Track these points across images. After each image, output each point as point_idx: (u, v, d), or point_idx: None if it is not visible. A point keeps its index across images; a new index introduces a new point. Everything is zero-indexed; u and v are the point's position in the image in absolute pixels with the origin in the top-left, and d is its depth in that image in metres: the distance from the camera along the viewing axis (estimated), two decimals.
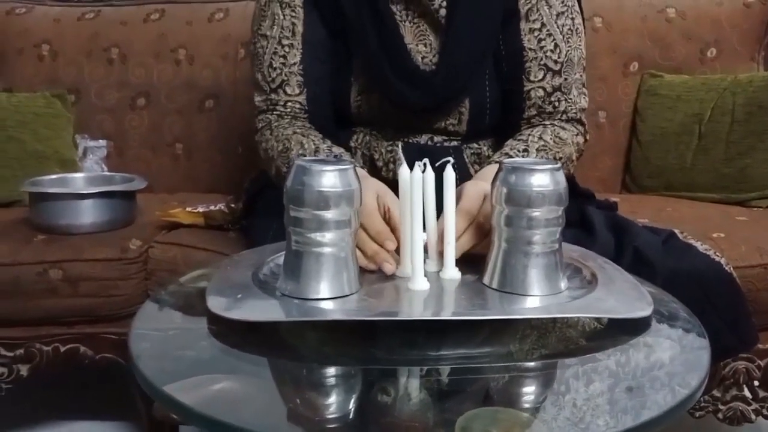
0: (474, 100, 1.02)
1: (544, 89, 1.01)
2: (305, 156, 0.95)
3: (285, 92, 1.04)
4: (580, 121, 1.05)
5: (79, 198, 1.21)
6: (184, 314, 0.69)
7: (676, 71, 1.59)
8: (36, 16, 1.72)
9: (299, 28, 1.02)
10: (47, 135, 1.53)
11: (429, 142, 1.05)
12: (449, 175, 0.73)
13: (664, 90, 1.54)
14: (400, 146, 0.81)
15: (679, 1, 1.64)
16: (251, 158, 1.24)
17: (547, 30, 1.00)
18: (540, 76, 1.01)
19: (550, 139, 0.99)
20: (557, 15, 1.00)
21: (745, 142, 1.42)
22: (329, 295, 0.66)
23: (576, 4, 1.04)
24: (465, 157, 1.04)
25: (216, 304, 0.63)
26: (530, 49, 1.00)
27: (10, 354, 1.20)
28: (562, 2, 1.01)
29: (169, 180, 1.64)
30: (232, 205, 1.23)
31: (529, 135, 0.99)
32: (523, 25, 1.00)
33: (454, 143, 1.05)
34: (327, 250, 0.66)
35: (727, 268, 0.95)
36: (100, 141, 1.64)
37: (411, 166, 0.70)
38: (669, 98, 1.53)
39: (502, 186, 0.68)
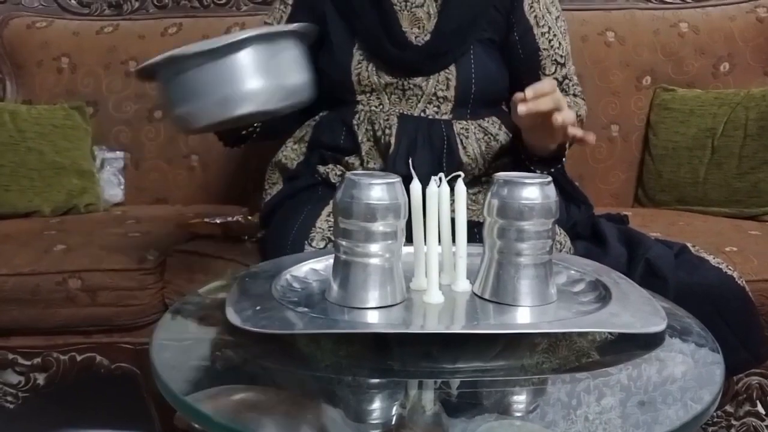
0: (461, 70, 1.12)
1: (557, 80, 1.18)
2: None
3: None
4: (580, 96, 1.24)
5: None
6: (203, 325, 0.71)
7: (689, 85, 1.59)
8: (55, 30, 1.75)
9: (284, 18, 1.18)
10: (66, 146, 1.56)
11: (422, 114, 1.12)
12: (460, 189, 0.75)
13: (676, 104, 1.55)
14: (411, 161, 0.83)
15: (691, 15, 1.65)
16: (265, 171, 1.26)
17: (553, 32, 1.17)
18: (553, 70, 1.18)
19: (571, 102, 1.18)
20: (556, 18, 1.18)
21: (758, 156, 1.42)
22: (375, 304, 0.68)
23: (561, 9, 1.21)
24: (455, 130, 1.12)
25: (235, 316, 0.64)
26: (544, 49, 1.17)
27: (28, 363, 1.22)
28: (556, 8, 1.19)
29: (185, 192, 1.66)
30: (249, 218, 1.24)
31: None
32: (536, 31, 1.16)
33: (445, 117, 1.12)
34: (374, 260, 0.68)
35: (739, 282, 0.95)
36: (118, 152, 1.67)
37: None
38: (682, 112, 1.53)
39: (494, 199, 0.70)
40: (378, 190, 0.67)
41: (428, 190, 0.71)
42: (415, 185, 0.73)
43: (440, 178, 0.74)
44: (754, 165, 1.42)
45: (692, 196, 1.49)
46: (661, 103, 1.57)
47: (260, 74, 0.81)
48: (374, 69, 1.12)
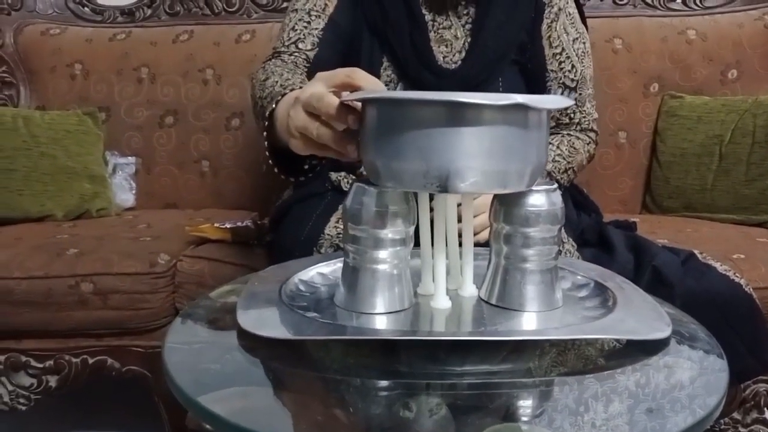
0: None
1: None
2: (283, 86, 0.91)
3: (296, 46, 1.10)
4: (592, 130, 1.19)
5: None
6: (214, 329, 0.72)
7: (697, 92, 1.60)
8: (69, 37, 1.78)
9: (330, 9, 1.12)
10: (78, 151, 1.58)
11: None
12: (467, 195, 0.75)
13: (684, 111, 1.55)
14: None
15: (699, 22, 1.65)
16: (275, 176, 1.28)
17: (566, 54, 1.14)
18: (559, 93, 1.14)
19: (566, 149, 1.12)
20: (573, 40, 1.14)
21: (766, 163, 1.42)
22: (383, 310, 0.69)
23: (585, 31, 1.18)
24: None
25: (246, 320, 0.65)
26: (552, 70, 1.14)
27: (40, 365, 1.24)
28: (576, 29, 1.15)
29: (196, 196, 1.68)
30: (259, 222, 1.26)
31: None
32: (547, 51, 1.14)
33: None
34: (382, 266, 0.68)
35: (746, 290, 0.96)
36: (129, 158, 1.69)
37: None
38: (689, 119, 1.53)
39: (500, 205, 0.71)
40: (387, 196, 0.68)
41: (437, 197, 0.72)
42: (424, 194, 0.73)
43: None
44: (762, 172, 1.42)
45: (700, 202, 1.49)
46: (669, 110, 1.58)
47: (512, 150, 0.63)
48: (401, 89, 1.10)
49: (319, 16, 1.11)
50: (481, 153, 0.61)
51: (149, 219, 1.51)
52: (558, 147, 1.12)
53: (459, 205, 0.76)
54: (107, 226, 1.43)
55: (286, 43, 1.10)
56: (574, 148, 1.13)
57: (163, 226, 1.42)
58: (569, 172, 1.12)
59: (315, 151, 0.72)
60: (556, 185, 0.72)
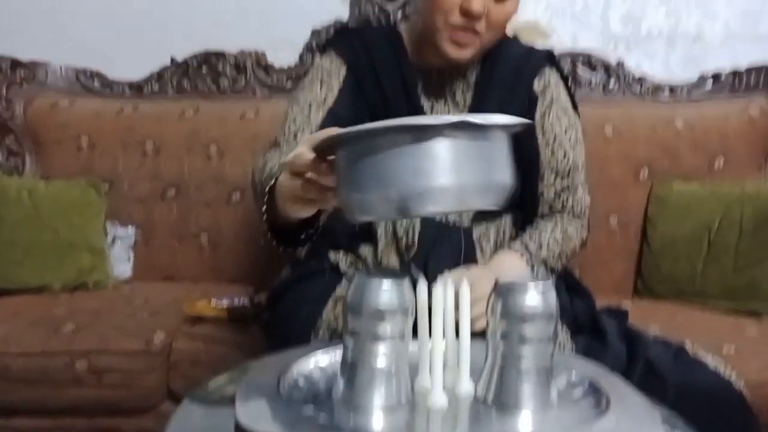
0: None
1: (555, 189, 1.17)
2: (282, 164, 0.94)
3: (296, 138, 1.12)
4: (585, 216, 1.22)
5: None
6: (213, 421, 0.72)
7: (686, 179, 1.63)
8: (77, 109, 1.80)
9: (329, 102, 1.15)
10: (80, 223, 1.60)
11: (443, 220, 1.13)
12: (464, 290, 0.78)
13: (673, 198, 1.58)
14: (412, 265, 0.86)
15: (686, 112, 1.70)
16: (274, 250, 1.29)
17: (559, 141, 1.17)
18: (551, 180, 1.17)
19: (559, 234, 1.15)
20: (565, 129, 1.18)
21: (754, 253, 1.45)
22: (380, 404, 0.69)
23: (577, 119, 1.22)
24: (473, 237, 1.13)
25: (244, 415, 0.66)
26: (544, 157, 1.17)
27: None
28: (568, 119, 1.19)
29: (193, 270, 1.69)
30: (255, 301, 1.27)
31: (542, 231, 1.13)
32: (540, 139, 1.16)
33: (466, 224, 1.13)
34: (380, 360, 0.69)
35: (737, 386, 0.97)
36: (129, 229, 1.71)
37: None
38: (679, 207, 1.56)
39: (497, 303, 0.73)
40: (387, 292, 0.69)
41: (434, 291, 0.74)
42: (422, 287, 0.76)
43: (445, 279, 0.77)
44: (750, 261, 1.45)
45: (691, 289, 1.50)
46: (659, 196, 1.61)
47: (465, 167, 0.66)
48: None
49: (319, 109, 1.15)
50: (433, 173, 0.64)
51: (146, 292, 1.51)
52: (552, 232, 1.14)
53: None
54: (104, 300, 1.44)
55: (287, 135, 1.14)
56: (567, 234, 1.16)
57: (160, 300, 1.42)
58: (563, 258, 1.15)
59: (306, 208, 0.79)
60: (551, 283, 0.74)
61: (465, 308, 0.77)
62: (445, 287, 0.75)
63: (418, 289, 0.76)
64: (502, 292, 0.73)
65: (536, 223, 1.17)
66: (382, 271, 0.75)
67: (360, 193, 0.67)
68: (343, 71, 1.17)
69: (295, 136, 1.13)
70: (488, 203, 0.70)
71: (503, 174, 0.70)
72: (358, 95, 1.17)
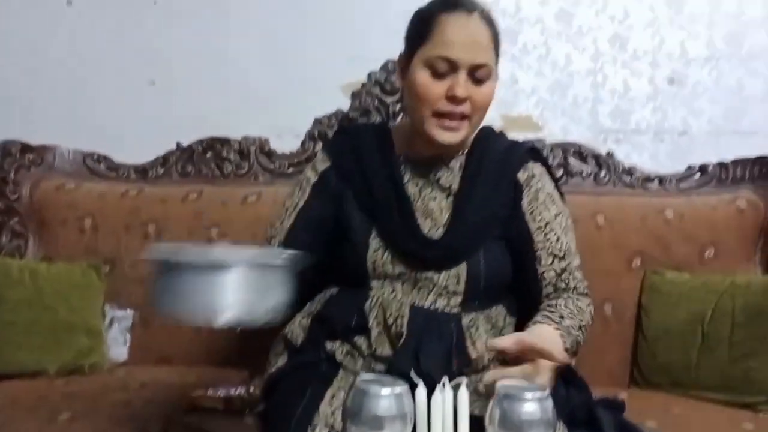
0: (471, 267, 1.16)
1: (555, 270, 1.19)
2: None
3: (276, 240, 1.24)
4: (587, 295, 1.23)
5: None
6: None
7: (677, 269, 1.63)
8: (82, 192, 1.84)
9: (300, 204, 1.24)
10: (79, 305, 1.61)
11: (432, 306, 1.15)
12: (463, 397, 0.79)
13: (666, 287, 1.59)
14: (413, 372, 0.88)
15: (676, 203, 1.74)
16: (266, 335, 1.30)
17: (550, 227, 1.20)
18: (549, 261, 1.19)
19: (574, 308, 1.16)
20: (555, 215, 1.21)
21: (748, 344, 1.45)
22: None
23: (566, 209, 1.26)
24: (463, 324, 1.14)
25: None
26: (538, 241, 1.20)
27: None
28: (556, 206, 1.23)
29: (189, 353, 1.68)
30: (251, 391, 1.27)
31: (557, 305, 1.15)
32: (531, 225, 1.20)
33: (455, 310, 1.15)
34: None
35: None
36: (127, 311, 1.71)
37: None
38: (672, 296, 1.57)
39: (495, 411, 0.74)
40: (386, 401, 0.71)
41: (433, 399, 0.76)
42: (420, 393, 0.77)
43: (443, 384, 0.79)
44: (744, 353, 1.45)
45: (686, 379, 1.49)
46: (652, 285, 1.61)
47: (245, 291, 0.87)
48: (389, 258, 1.16)
49: (290, 215, 1.24)
50: (222, 297, 0.85)
51: (142, 378, 1.51)
52: (566, 306, 1.15)
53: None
54: (100, 386, 1.43)
55: (270, 234, 1.26)
56: (580, 308, 1.17)
57: (156, 387, 1.42)
58: (582, 331, 1.15)
59: None
60: (548, 392, 0.76)
61: (464, 412, 0.78)
62: (443, 393, 0.77)
63: (417, 394, 0.78)
64: (501, 401, 0.75)
65: (544, 304, 1.17)
66: (381, 378, 0.77)
67: (168, 306, 0.89)
68: (325, 166, 1.26)
69: (275, 238, 1.24)
70: (266, 318, 0.90)
71: (277, 297, 0.92)
72: (326, 192, 1.24)
